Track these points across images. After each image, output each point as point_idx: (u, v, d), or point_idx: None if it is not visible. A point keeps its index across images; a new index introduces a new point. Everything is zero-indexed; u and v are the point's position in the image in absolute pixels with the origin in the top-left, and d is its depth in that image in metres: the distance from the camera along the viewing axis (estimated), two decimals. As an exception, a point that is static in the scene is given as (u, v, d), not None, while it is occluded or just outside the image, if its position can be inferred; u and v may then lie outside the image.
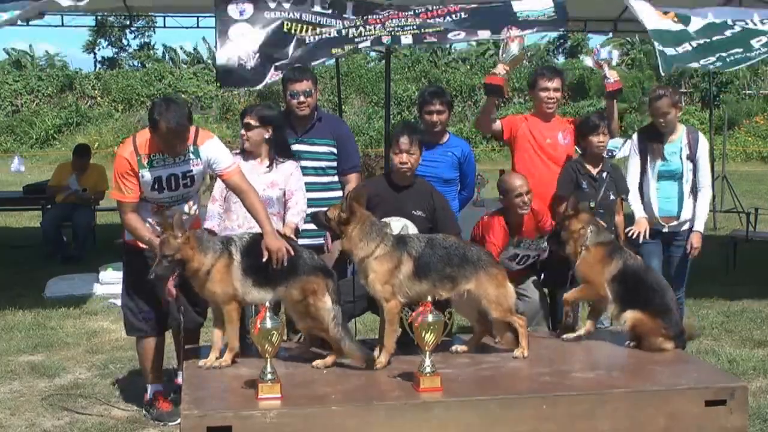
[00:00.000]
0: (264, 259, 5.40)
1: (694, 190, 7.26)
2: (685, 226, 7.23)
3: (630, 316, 5.79)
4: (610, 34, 18.17)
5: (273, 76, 8.27)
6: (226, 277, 5.36)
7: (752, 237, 12.58)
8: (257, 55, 8.30)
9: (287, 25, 8.56)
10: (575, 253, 6.03)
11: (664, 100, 7.08)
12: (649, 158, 7.09)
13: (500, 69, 7.15)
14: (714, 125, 20.66)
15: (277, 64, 8.26)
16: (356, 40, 8.52)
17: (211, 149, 5.94)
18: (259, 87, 8.57)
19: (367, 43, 8.57)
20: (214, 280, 5.36)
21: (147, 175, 5.81)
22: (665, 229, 7.17)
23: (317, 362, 5.36)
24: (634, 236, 7.01)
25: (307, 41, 8.46)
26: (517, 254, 6.83)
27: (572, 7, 11.72)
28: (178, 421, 5.79)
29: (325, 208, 5.63)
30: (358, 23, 8.70)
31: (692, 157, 7.13)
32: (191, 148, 5.88)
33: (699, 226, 7.29)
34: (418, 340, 4.98)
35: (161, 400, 6.22)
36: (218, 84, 8.53)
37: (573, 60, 43.06)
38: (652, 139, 7.16)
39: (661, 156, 7.08)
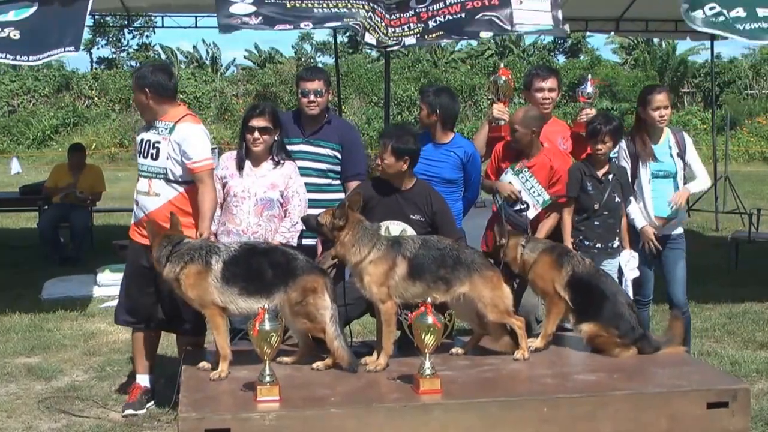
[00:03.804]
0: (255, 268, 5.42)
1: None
2: (678, 229, 7.13)
3: (585, 329, 5.82)
4: (612, 33, 18.15)
5: (280, 26, 8.32)
6: (197, 283, 5.38)
7: (754, 238, 12.53)
8: (259, 17, 8.36)
9: (290, 3, 8.51)
10: (525, 271, 6.10)
11: (663, 93, 6.98)
12: (640, 160, 7.01)
13: (497, 112, 7.15)
14: (716, 125, 20.62)
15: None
16: (366, 22, 8.51)
17: (185, 131, 6.05)
18: (266, 29, 8.58)
19: (373, 41, 8.55)
20: (186, 286, 5.43)
21: (139, 135, 6.27)
22: (660, 231, 7.03)
23: (317, 363, 5.32)
24: (648, 249, 6.93)
25: (315, 11, 8.45)
26: (511, 184, 6.74)
27: (573, 6, 11.76)
28: (129, 412, 6.18)
29: (317, 212, 5.62)
30: (366, 8, 8.66)
31: (682, 155, 7.04)
32: (170, 125, 6.06)
33: (690, 187, 7.12)
34: (418, 342, 4.95)
35: (133, 390, 6.36)
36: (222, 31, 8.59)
37: (574, 60, 43.05)
38: (645, 144, 7.03)
39: (653, 156, 6.99)
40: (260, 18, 8.32)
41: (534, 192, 6.71)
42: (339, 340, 5.31)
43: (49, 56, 8.38)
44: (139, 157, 6.17)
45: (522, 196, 6.72)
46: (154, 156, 6.06)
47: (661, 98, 6.93)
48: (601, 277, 6.11)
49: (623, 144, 7.07)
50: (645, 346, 5.86)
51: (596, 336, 5.79)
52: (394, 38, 8.65)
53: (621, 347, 5.78)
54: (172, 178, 6.07)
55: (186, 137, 6.01)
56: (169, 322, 6.27)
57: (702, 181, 7.17)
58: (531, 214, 6.73)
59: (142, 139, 6.17)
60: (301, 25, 8.41)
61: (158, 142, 6.05)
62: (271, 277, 5.35)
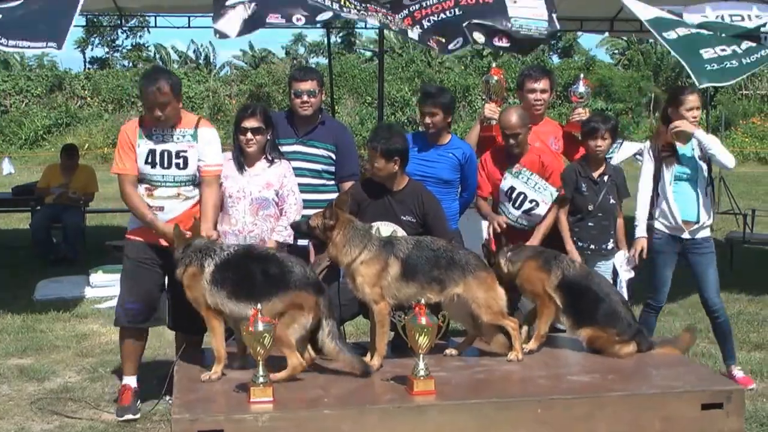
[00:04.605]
0: (248, 273, 5.35)
1: (709, 191, 6.98)
2: (704, 233, 6.90)
3: (584, 334, 5.81)
4: (606, 34, 18.15)
5: (272, 18, 8.18)
6: (193, 285, 5.40)
7: (749, 239, 12.55)
8: (251, 4, 8.20)
9: None
10: (510, 273, 6.02)
11: (696, 94, 6.79)
12: (664, 162, 6.84)
13: (489, 112, 7.15)
14: (711, 126, 20.64)
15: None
16: (363, 12, 8.41)
17: (208, 136, 6.11)
18: (258, 27, 8.41)
19: (376, 22, 8.43)
20: (185, 288, 5.46)
21: (143, 145, 6.00)
22: (685, 235, 6.84)
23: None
24: (634, 257, 6.85)
25: (308, 1, 8.31)
26: (513, 188, 6.74)
27: (568, 6, 11.74)
28: (129, 416, 6.11)
29: (312, 212, 5.61)
30: (359, 8, 8.57)
31: (704, 157, 6.83)
32: (190, 131, 6.04)
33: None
34: (412, 343, 4.93)
35: (124, 393, 6.27)
36: (218, 34, 8.37)
37: (569, 60, 43.09)
38: (667, 147, 6.86)
39: (677, 160, 6.83)
40: (252, 4, 8.23)
41: (539, 188, 6.70)
42: (343, 352, 5.21)
43: (28, 48, 8.15)
44: (156, 167, 6.00)
45: (528, 195, 6.71)
46: (181, 165, 6.03)
47: (693, 99, 6.74)
48: (593, 277, 6.07)
49: (647, 144, 7.01)
50: (642, 341, 5.85)
51: (596, 338, 5.78)
52: (395, 25, 8.56)
53: (620, 344, 5.76)
54: (197, 181, 6.10)
55: (209, 142, 6.09)
56: (176, 320, 6.26)
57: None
58: (542, 210, 6.73)
59: (153, 150, 6.00)
60: (293, 19, 8.28)
61: (184, 151, 6.01)
62: (261, 284, 5.24)
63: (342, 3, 8.33)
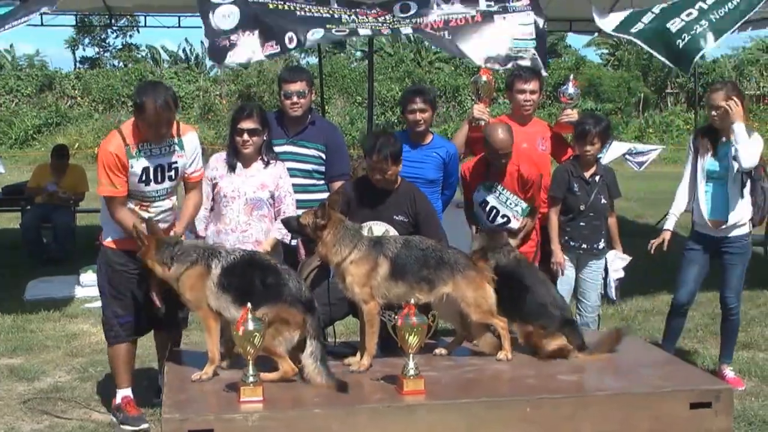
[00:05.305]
0: (249, 279, 5.30)
1: (752, 191, 6.77)
2: (736, 231, 6.79)
3: (517, 330, 5.71)
4: (596, 34, 18.17)
5: (268, 48, 8.17)
6: (197, 285, 5.31)
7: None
8: (246, 33, 8.18)
9: (273, 4, 8.39)
10: None
11: (719, 93, 6.66)
12: (699, 155, 6.81)
13: (477, 112, 7.17)
14: (699, 126, 20.66)
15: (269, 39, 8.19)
16: (352, 24, 8.39)
17: (193, 142, 5.95)
18: (256, 59, 8.42)
19: (368, 31, 8.44)
20: (185, 287, 5.36)
21: (136, 165, 5.74)
22: (716, 233, 6.78)
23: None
24: (653, 248, 6.83)
25: (297, 13, 8.30)
26: (486, 202, 6.78)
27: (557, 6, 11.74)
28: (144, 426, 5.94)
29: (297, 212, 5.60)
30: (348, 12, 8.58)
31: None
32: (176, 140, 5.84)
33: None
34: (402, 342, 4.94)
35: (129, 405, 6.10)
36: (212, 61, 8.31)
37: (558, 60, 43.13)
38: (706, 138, 6.82)
39: (712, 154, 6.75)
40: (247, 33, 8.19)
41: (510, 204, 6.73)
42: (322, 376, 5.06)
43: (24, 21, 8.28)
44: (151, 184, 5.83)
45: (500, 210, 6.74)
46: (173, 177, 5.90)
47: (714, 97, 6.67)
48: (524, 268, 5.99)
49: (690, 138, 6.99)
50: (572, 335, 5.70)
51: (528, 333, 5.68)
52: (387, 25, 8.55)
53: (548, 337, 5.64)
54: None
55: (195, 148, 5.96)
56: (152, 319, 6.12)
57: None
58: (514, 225, 6.76)
59: (147, 168, 5.76)
60: (287, 42, 8.25)
61: (175, 163, 5.86)
62: (258, 294, 5.17)
63: (332, 15, 8.36)
